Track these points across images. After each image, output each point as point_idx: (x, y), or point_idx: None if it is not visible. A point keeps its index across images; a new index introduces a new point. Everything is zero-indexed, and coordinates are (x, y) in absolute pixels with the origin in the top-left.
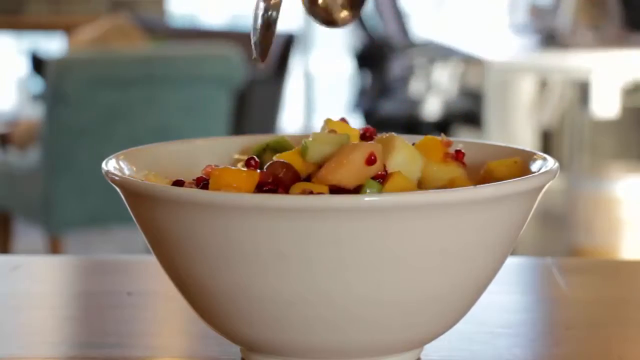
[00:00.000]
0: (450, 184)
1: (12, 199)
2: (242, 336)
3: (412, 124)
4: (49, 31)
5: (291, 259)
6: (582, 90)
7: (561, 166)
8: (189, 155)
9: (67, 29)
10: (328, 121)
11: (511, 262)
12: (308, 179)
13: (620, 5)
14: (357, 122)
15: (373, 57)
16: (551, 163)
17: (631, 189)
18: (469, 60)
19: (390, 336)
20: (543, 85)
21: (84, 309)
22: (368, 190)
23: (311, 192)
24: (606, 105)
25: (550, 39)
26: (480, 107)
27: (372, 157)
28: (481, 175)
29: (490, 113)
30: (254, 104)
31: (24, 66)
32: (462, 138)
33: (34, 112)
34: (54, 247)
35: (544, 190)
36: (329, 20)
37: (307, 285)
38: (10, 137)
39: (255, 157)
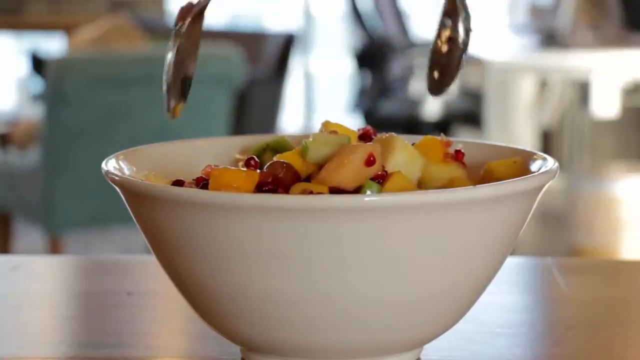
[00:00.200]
0: (450, 184)
1: (12, 199)
2: (242, 336)
3: (412, 124)
4: (49, 31)
5: (291, 259)
6: (582, 90)
7: (561, 166)
8: (189, 155)
9: (67, 29)
10: (326, 123)
11: (511, 262)
12: (308, 179)
13: (620, 5)
14: (357, 122)
15: (373, 57)
16: (551, 163)
17: (631, 189)
18: (469, 60)
19: (390, 336)
20: (543, 85)
21: (84, 309)
22: (367, 191)
23: (311, 192)
24: (606, 105)
25: (550, 39)
26: (480, 107)
27: (371, 158)
28: (481, 175)
29: (490, 113)
30: (254, 104)
31: (24, 66)
32: (462, 138)
33: (34, 112)
34: (54, 247)
35: (543, 190)
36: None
37: (307, 285)
38: (10, 137)
39: (255, 157)
